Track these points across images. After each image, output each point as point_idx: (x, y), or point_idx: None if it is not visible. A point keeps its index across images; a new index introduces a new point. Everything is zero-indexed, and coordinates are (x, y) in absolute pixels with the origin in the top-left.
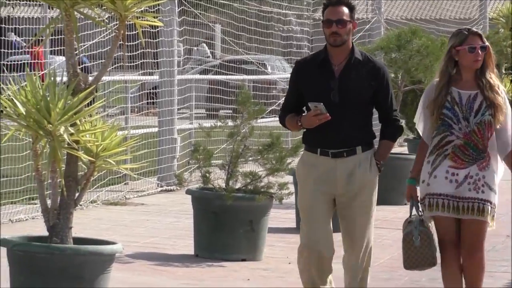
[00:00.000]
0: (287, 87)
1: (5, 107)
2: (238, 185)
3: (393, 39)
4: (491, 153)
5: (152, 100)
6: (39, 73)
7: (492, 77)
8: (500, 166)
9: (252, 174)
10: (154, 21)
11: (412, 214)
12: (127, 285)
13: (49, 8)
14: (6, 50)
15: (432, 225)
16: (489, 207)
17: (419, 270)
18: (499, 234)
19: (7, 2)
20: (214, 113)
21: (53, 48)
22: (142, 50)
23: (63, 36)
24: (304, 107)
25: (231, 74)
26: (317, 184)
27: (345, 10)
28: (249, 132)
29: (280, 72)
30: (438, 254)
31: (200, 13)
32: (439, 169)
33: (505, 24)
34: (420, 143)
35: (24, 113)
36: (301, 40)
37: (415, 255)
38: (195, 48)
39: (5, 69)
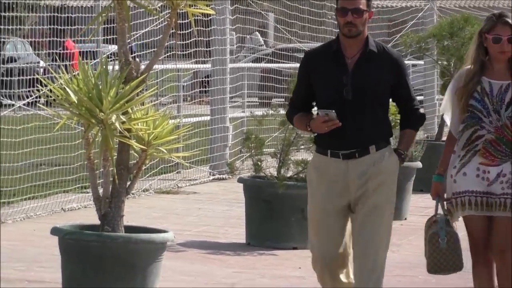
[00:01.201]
0: None
1: (58, 96)
2: (289, 173)
3: (446, 26)
4: None
5: (204, 89)
6: (71, 63)
7: None
8: None
9: (304, 162)
10: (207, 9)
11: (438, 213)
12: (179, 273)
13: None
14: (58, 39)
15: (456, 226)
16: None
17: (444, 275)
18: None
19: None
20: (267, 101)
21: (105, 37)
22: (194, 39)
23: (115, 25)
24: (314, 103)
25: (284, 63)
26: (329, 192)
27: None
28: None
29: None
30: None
31: (253, 1)
32: (469, 166)
33: None
34: (448, 136)
35: (76, 101)
36: None
37: (441, 258)
38: (248, 36)
39: (57, 58)
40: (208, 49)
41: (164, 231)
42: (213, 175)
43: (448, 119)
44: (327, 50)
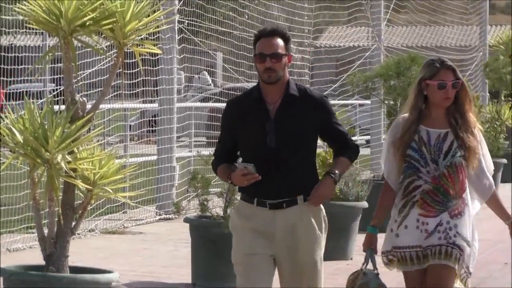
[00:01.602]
0: None
1: (3, 136)
2: None
3: (393, 66)
4: (465, 199)
5: (152, 128)
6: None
7: (468, 114)
8: (474, 210)
9: None
10: (153, 49)
11: (367, 267)
12: None
13: (49, 36)
14: (5, 79)
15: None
16: (458, 253)
17: None
18: (496, 261)
19: (8, 30)
20: (214, 141)
21: (52, 76)
22: (142, 78)
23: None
24: (239, 152)
25: None
26: (254, 241)
27: (280, 42)
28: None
29: None
30: None
31: (200, 41)
32: (409, 218)
33: (504, 51)
34: (383, 187)
35: (21, 141)
36: (302, 68)
37: None
38: (196, 75)
39: (3, 98)
40: (155, 88)
41: (109, 272)
42: (160, 215)
43: (385, 171)
44: (248, 97)
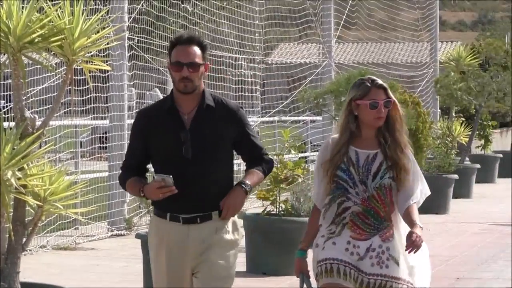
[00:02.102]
0: None
1: None
2: None
3: (343, 82)
4: (395, 221)
5: (103, 145)
6: None
7: (398, 134)
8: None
9: None
10: (103, 66)
11: None
12: None
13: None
14: None
15: None
16: (394, 284)
17: None
18: (449, 276)
19: None
20: None
21: (1, 93)
22: (92, 95)
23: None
24: (150, 165)
25: None
26: (170, 258)
27: (197, 50)
28: None
29: None
30: None
31: (151, 58)
32: (339, 239)
33: (455, 67)
34: (312, 210)
35: None
36: (253, 84)
37: None
38: (148, 92)
39: None
40: (106, 105)
41: None
42: (111, 231)
43: (314, 194)
44: (161, 107)
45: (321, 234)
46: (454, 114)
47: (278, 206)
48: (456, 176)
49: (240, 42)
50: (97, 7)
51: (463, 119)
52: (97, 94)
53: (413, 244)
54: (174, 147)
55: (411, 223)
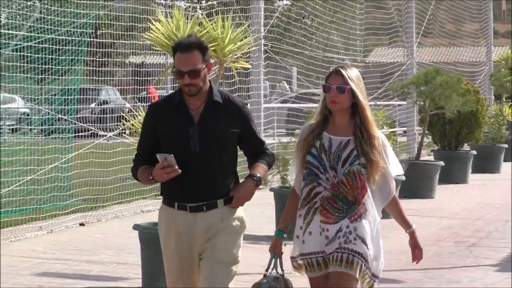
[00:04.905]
0: None
1: (137, 128)
2: None
3: (422, 76)
4: (366, 204)
5: None
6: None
7: (367, 124)
8: (378, 216)
9: None
10: (245, 64)
11: (269, 271)
12: None
13: (169, 56)
14: (138, 87)
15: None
16: (359, 260)
17: None
18: (500, 219)
19: (140, 52)
20: (291, 131)
21: (173, 85)
22: (237, 86)
23: None
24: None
25: (303, 103)
26: (178, 245)
27: (198, 55)
28: None
29: None
30: None
31: (280, 59)
32: (312, 225)
33: (505, 65)
34: (291, 193)
35: None
36: None
37: None
38: (278, 84)
39: (137, 100)
40: (248, 93)
41: None
42: None
43: (293, 177)
44: (171, 102)
45: (299, 226)
46: (504, 100)
47: None
48: (506, 145)
49: (345, 46)
50: (240, 21)
51: (511, 103)
52: (241, 86)
53: (420, 258)
54: (183, 141)
55: (404, 222)
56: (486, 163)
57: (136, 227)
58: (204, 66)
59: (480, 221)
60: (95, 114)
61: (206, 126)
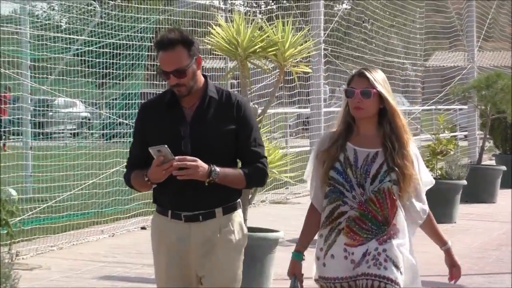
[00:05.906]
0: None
1: None
2: None
3: (483, 80)
4: (397, 224)
5: (305, 127)
6: None
7: (399, 132)
8: (411, 236)
9: None
10: (306, 69)
11: None
12: (288, 261)
13: (229, 60)
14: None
15: None
16: (386, 285)
17: None
18: None
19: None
20: None
21: (233, 89)
22: (297, 90)
23: (239, 80)
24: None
25: None
26: (170, 260)
27: (182, 52)
28: None
29: (399, 105)
30: None
31: (340, 63)
32: (335, 248)
33: None
34: (309, 210)
35: None
36: (415, 82)
37: None
38: (337, 88)
39: None
40: (308, 97)
41: (277, 231)
42: None
43: (311, 191)
44: (162, 100)
45: (320, 247)
46: None
47: (435, 172)
48: None
49: (405, 50)
50: (301, 26)
51: None
52: (301, 90)
53: (458, 277)
54: (174, 141)
55: (439, 239)
56: None
57: None
58: (190, 62)
59: None
60: None
61: (199, 126)
